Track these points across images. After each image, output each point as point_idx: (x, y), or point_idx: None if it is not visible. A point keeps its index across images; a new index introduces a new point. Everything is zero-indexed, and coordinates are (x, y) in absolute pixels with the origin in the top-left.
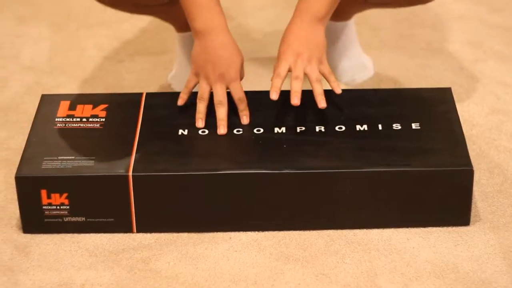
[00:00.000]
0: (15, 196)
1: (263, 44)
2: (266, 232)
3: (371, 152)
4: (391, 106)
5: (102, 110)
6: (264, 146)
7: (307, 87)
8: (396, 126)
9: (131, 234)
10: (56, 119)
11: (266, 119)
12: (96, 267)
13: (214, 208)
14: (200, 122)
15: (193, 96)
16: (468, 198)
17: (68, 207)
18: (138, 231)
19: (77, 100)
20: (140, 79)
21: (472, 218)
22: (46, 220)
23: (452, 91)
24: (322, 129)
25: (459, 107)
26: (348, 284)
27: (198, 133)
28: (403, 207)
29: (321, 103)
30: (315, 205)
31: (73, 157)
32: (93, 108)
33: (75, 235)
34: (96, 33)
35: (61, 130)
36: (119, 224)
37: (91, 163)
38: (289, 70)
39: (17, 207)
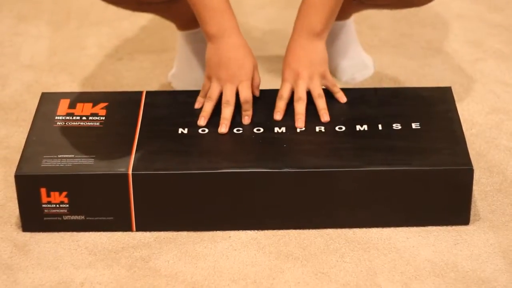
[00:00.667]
0: (15, 195)
1: (263, 43)
2: (266, 231)
3: (371, 152)
4: (391, 105)
5: (102, 108)
6: (264, 145)
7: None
8: (396, 126)
9: (130, 232)
10: (56, 118)
11: (266, 118)
12: (95, 266)
13: (213, 206)
14: (202, 120)
15: (194, 94)
16: (468, 197)
17: (67, 205)
18: (138, 229)
19: (77, 98)
20: (140, 77)
21: (471, 217)
22: (45, 218)
23: (452, 90)
24: (322, 129)
25: (459, 106)
26: (347, 283)
27: (198, 132)
28: (403, 206)
29: (324, 117)
30: (314, 204)
31: (72, 156)
32: (93, 106)
33: (75, 233)
34: (96, 31)
35: (61, 129)
36: (118, 223)
37: (90, 161)
38: (292, 90)
39: (17, 205)
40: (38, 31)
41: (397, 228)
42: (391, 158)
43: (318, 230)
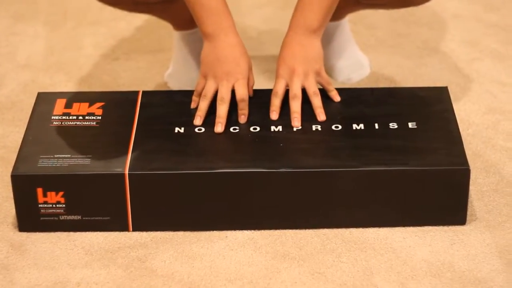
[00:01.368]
0: (11, 194)
1: (259, 43)
2: (262, 231)
3: (367, 151)
4: (387, 105)
5: (98, 108)
6: (261, 144)
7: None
8: (393, 125)
9: (127, 232)
10: (52, 117)
11: (262, 117)
12: (92, 266)
13: (210, 206)
14: (198, 120)
15: (190, 94)
16: (464, 197)
17: (64, 205)
18: (134, 229)
19: (73, 98)
20: (136, 77)
21: (468, 217)
22: (42, 218)
23: (449, 90)
24: (319, 128)
25: (455, 106)
26: (344, 283)
27: (195, 131)
28: (400, 206)
29: (320, 116)
30: (311, 204)
31: (69, 155)
32: (90, 106)
33: (71, 233)
34: (93, 31)
35: (57, 128)
36: (115, 223)
37: (87, 161)
38: (287, 87)
39: (13, 205)
40: (35, 31)
41: (394, 228)
42: (387, 158)
43: (315, 230)
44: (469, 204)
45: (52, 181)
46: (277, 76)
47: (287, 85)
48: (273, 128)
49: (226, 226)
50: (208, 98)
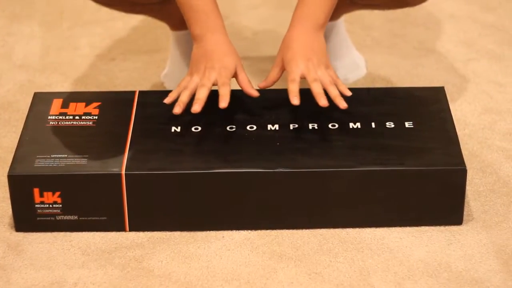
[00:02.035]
0: (7, 195)
1: (255, 43)
2: (259, 231)
3: (364, 151)
4: (384, 105)
5: (95, 108)
6: (257, 143)
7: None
8: (389, 125)
9: (123, 232)
10: (49, 117)
11: (259, 116)
12: (88, 266)
13: (207, 206)
14: (178, 109)
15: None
16: (461, 197)
17: (60, 205)
18: (131, 229)
19: (69, 98)
20: (133, 77)
21: (465, 217)
22: (38, 218)
23: (445, 90)
24: (315, 126)
25: (452, 107)
26: (341, 283)
27: (191, 131)
28: (396, 206)
29: (342, 103)
30: (308, 204)
31: (65, 155)
32: (86, 106)
33: (68, 233)
34: (89, 31)
35: (53, 128)
36: (111, 223)
37: (84, 161)
38: (302, 75)
39: (9, 205)
40: (31, 31)
41: (391, 228)
42: (384, 157)
43: (312, 230)
44: (466, 204)
45: (48, 181)
46: (291, 65)
47: (302, 74)
48: (269, 127)
49: (222, 226)
50: (189, 89)
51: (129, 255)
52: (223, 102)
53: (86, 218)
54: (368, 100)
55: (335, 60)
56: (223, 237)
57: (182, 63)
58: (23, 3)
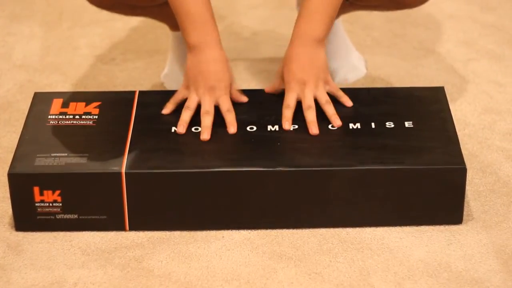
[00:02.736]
0: (7, 195)
1: (255, 43)
2: (259, 231)
3: (364, 150)
4: (384, 105)
5: (95, 107)
6: (257, 143)
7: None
8: (389, 125)
9: (123, 232)
10: (49, 117)
11: (259, 117)
12: (88, 266)
13: (206, 206)
14: (181, 128)
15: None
16: (461, 197)
17: (60, 204)
18: (131, 229)
19: (70, 97)
20: (133, 77)
21: (464, 217)
22: (38, 217)
23: (445, 90)
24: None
25: (451, 107)
26: (341, 283)
27: (191, 130)
28: (396, 206)
29: (336, 122)
30: (308, 203)
31: (66, 154)
32: (86, 105)
33: (68, 233)
34: (89, 31)
35: (54, 128)
36: (111, 222)
37: (84, 160)
38: (298, 99)
39: (9, 205)
40: (31, 31)
41: (391, 228)
42: (384, 157)
43: (312, 230)
44: (466, 204)
45: (48, 180)
46: (288, 89)
47: (298, 98)
48: (269, 127)
49: (222, 226)
50: (191, 110)
51: (129, 255)
52: (232, 128)
53: (86, 217)
54: (368, 100)
55: (334, 61)
56: (223, 237)
57: (182, 64)
58: (23, 3)
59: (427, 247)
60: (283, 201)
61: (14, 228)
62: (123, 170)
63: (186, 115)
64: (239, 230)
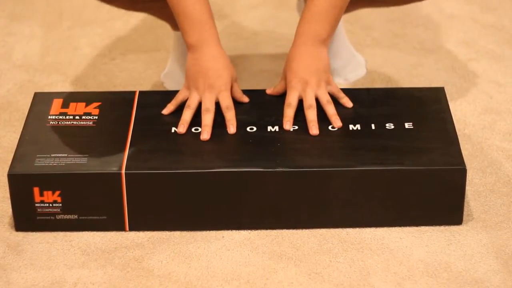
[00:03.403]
0: (7, 195)
1: (255, 43)
2: (259, 231)
3: (364, 151)
4: (384, 105)
5: (95, 108)
6: (257, 144)
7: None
8: (389, 126)
9: (123, 232)
10: (49, 117)
11: (259, 117)
12: (88, 266)
13: (206, 206)
14: (182, 128)
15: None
16: (461, 197)
17: (60, 204)
18: (131, 229)
19: (70, 98)
20: (133, 77)
21: (464, 217)
22: (38, 218)
23: (445, 90)
24: None
25: (452, 107)
26: (341, 283)
27: (191, 131)
28: (396, 206)
29: (336, 122)
30: (308, 204)
31: (66, 155)
32: (86, 106)
33: (68, 233)
34: (89, 31)
35: (54, 128)
36: (111, 222)
37: (84, 160)
38: (299, 98)
39: (9, 205)
40: (31, 31)
41: (390, 228)
42: (383, 157)
43: (312, 230)
44: (466, 204)
45: (48, 180)
46: (290, 88)
47: (300, 96)
48: (269, 128)
49: (222, 226)
50: (192, 109)
51: (129, 255)
52: (232, 127)
53: (86, 218)
54: (368, 101)
55: (334, 61)
56: (223, 237)
57: (183, 63)
58: (23, 3)
59: (427, 247)
60: (283, 202)
61: (14, 228)
62: (123, 171)
63: (187, 115)
64: (239, 230)
